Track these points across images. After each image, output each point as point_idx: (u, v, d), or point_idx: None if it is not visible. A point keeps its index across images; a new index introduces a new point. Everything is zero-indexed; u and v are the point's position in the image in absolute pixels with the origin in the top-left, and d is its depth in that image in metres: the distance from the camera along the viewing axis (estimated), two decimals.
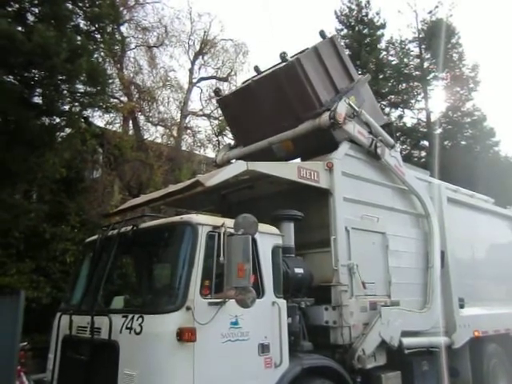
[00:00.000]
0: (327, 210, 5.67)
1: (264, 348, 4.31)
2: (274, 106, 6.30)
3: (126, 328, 3.92)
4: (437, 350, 6.33)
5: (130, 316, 3.96)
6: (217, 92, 7.66)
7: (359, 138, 6.20)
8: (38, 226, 11.62)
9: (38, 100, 12.08)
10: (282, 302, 4.60)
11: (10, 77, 11.00)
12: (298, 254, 5.35)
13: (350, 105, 6.07)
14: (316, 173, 5.57)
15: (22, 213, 10.94)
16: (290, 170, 5.36)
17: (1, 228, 10.33)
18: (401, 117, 25.57)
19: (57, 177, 12.14)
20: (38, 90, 12.06)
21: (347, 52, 25.98)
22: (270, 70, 6.54)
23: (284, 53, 6.21)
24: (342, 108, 5.85)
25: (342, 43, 26.44)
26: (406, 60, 25.75)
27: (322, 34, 6.76)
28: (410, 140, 24.78)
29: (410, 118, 26.18)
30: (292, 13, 52.52)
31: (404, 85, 25.41)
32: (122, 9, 15.91)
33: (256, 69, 7.07)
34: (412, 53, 25.89)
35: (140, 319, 3.86)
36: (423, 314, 6.34)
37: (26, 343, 7.69)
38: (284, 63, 6.19)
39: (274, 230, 4.83)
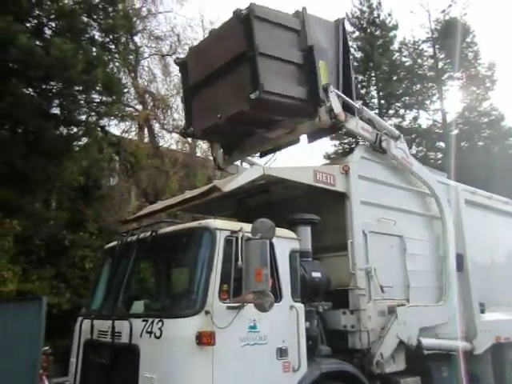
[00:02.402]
0: (344, 214, 5.65)
1: (282, 352, 4.31)
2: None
3: (146, 332, 3.98)
4: (455, 353, 6.23)
5: (150, 320, 4.01)
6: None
7: (363, 135, 6.02)
8: (58, 234, 11.85)
9: (56, 111, 12.39)
10: (300, 306, 4.60)
11: (30, 89, 11.29)
12: (315, 257, 5.34)
13: (348, 104, 5.73)
14: (332, 176, 5.57)
15: (42, 220, 11.18)
16: (306, 174, 5.36)
17: (22, 235, 10.55)
18: (416, 118, 25.38)
19: (75, 185, 12.38)
20: (55, 101, 12.35)
21: (359, 54, 26.08)
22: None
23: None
24: (336, 103, 5.48)
25: (355, 45, 26.46)
26: (419, 61, 25.56)
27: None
28: (425, 141, 24.57)
29: (425, 120, 25.95)
30: None
31: (418, 86, 25.21)
32: (135, 19, 16.19)
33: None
34: (426, 53, 25.70)
35: (160, 323, 3.91)
36: (439, 307, 6.21)
37: (47, 348, 7.84)
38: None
39: (291, 234, 4.85)
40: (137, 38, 17.90)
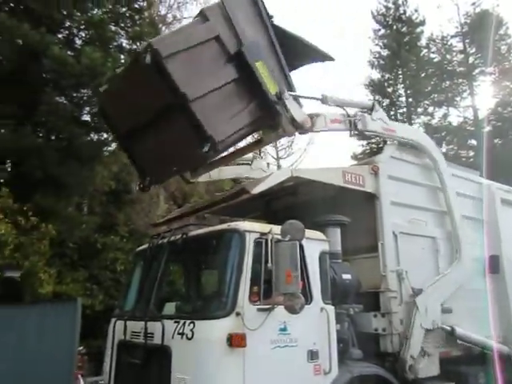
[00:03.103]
0: (374, 215, 5.58)
1: (313, 355, 4.29)
2: None
3: (178, 333, 4.02)
4: (490, 353, 6.01)
5: (182, 322, 4.05)
6: None
7: (335, 128, 5.47)
8: (90, 237, 12.17)
9: (86, 118, 12.75)
10: (331, 309, 4.57)
11: (62, 98, 11.66)
12: (345, 259, 5.29)
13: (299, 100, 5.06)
14: (361, 177, 5.51)
15: (75, 224, 11.52)
16: (334, 174, 5.32)
17: (57, 239, 10.88)
18: (445, 116, 24.78)
19: (106, 189, 12.70)
20: (86, 108, 12.70)
21: (385, 52, 25.64)
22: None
23: None
24: (296, 110, 4.85)
25: (381, 43, 26.07)
26: (448, 56, 24.94)
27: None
28: (456, 139, 23.95)
29: (455, 117, 25.29)
30: (326, 15, 52.22)
31: (448, 82, 24.61)
32: (160, 26, 16.46)
33: None
34: (455, 48, 25.05)
35: (191, 325, 3.95)
36: (454, 268, 5.98)
37: (82, 348, 8.06)
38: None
39: (320, 235, 4.81)
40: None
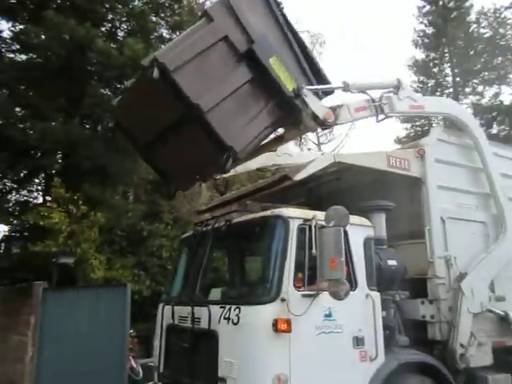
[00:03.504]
0: (420, 200, 5.43)
1: (358, 341, 4.27)
2: None
3: (224, 318, 4.11)
4: None
5: (228, 307, 4.14)
6: None
7: (361, 116, 5.20)
8: (137, 224, 12.57)
9: None
10: (376, 295, 4.52)
11: (107, 89, 12.03)
12: (390, 245, 5.19)
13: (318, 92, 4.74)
14: (406, 161, 5.36)
15: (122, 212, 11.93)
16: (378, 159, 5.21)
17: (106, 227, 11.34)
18: (497, 95, 23.43)
19: (150, 178, 13.02)
20: None
21: (430, 30, 24.46)
22: None
23: None
24: (317, 106, 4.58)
25: (425, 21, 24.88)
26: (501, 30, 23.41)
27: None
28: (508, 119, 22.61)
29: (507, 96, 23.86)
30: None
31: (500, 59, 23.21)
32: (199, 14, 16.54)
33: None
34: (509, 21, 23.44)
35: (237, 310, 4.03)
36: (500, 243, 5.74)
37: (131, 331, 8.41)
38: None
39: (365, 221, 4.75)
40: None
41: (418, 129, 23.86)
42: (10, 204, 13.17)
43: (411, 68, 25.21)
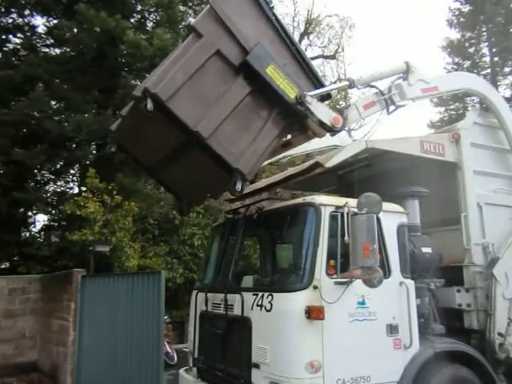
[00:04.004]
0: (455, 185, 5.29)
1: (392, 329, 4.23)
2: None
3: (257, 305, 4.16)
4: None
5: (260, 294, 4.18)
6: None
7: (371, 112, 4.95)
8: (169, 213, 12.80)
9: None
10: (410, 283, 4.46)
11: (137, 80, 12.21)
12: (425, 232, 5.10)
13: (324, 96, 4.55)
14: (441, 145, 5.22)
15: (154, 201, 12.16)
16: (411, 144, 5.09)
17: (139, 216, 11.60)
18: None
19: None
20: None
21: (466, 8, 23.41)
22: None
23: None
24: (322, 112, 4.33)
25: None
26: None
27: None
28: None
29: None
30: None
31: None
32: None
33: None
34: None
35: (269, 297, 4.06)
36: None
37: (166, 317, 8.63)
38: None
39: (398, 208, 4.67)
40: None
41: (453, 112, 23.09)
42: (48, 194, 13.67)
43: (445, 49, 24.33)
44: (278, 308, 3.97)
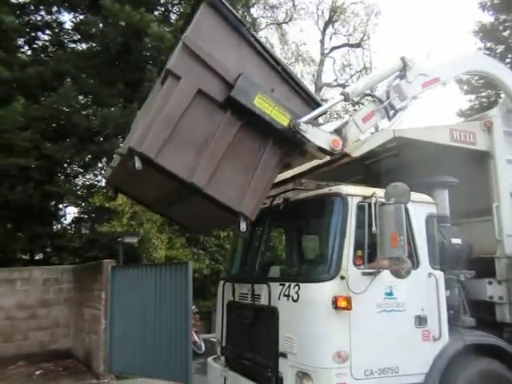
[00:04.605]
0: (487, 175, 5.16)
1: (421, 320, 4.19)
2: None
3: (284, 295, 4.18)
4: None
5: (287, 284, 4.19)
6: None
7: (373, 123, 4.62)
8: None
9: None
10: (439, 274, 4.39)
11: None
12: (454, 223, 4.99)
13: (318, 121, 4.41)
14: (472, 134, 5.09)
15: None
16: (441, 133, 4.98)
17: None
18: None
19: None
20: None
21: None
22: None
23: None
24: (319, 137, 4.13)
25: None
26: None
27: None
28: None
29: None
30: None
31: None
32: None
33: None
34: None
35: (296, 287, 4.07)
36: None
37: (194, 307, 8.76)
38: None
39: (426, 198, 4.60)
40: (253, 10, 18.22)
41: (484, 100, 22.36)
42: (78, 187, 14.01)
43: (477, 34, 23.48)
44: (305, 298, 3.98)
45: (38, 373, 8.42)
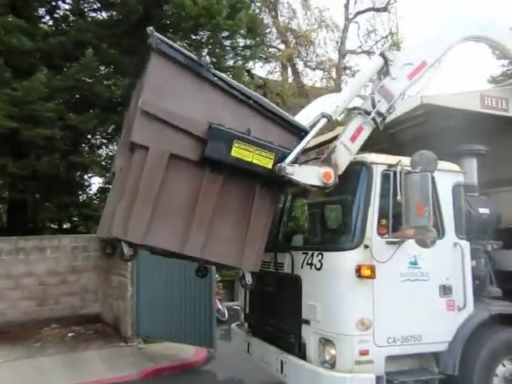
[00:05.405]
0: None
1: (446, 290, 4.17)
2: None
3: (307, 264, 4.20)
4: None
5: (310, 253, 4.21)
6: None
7: (363, 137, 4.25)
8: None
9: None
10: (465, 244, 4.34)
11: (184, 42, 12.18)
12: (483, 193, 4.88)
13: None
14: (504, 100, 4.91)
15: None
16: (471, 100, 4.81)
17: None
18: None
19: None
20: (205, 50, 13.11)
21: None
22: None
23: None
24: (305, 175, 3.87)
25: None
26: None
27: None
28: None
29: None
30: None
31: None
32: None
33: None
34: None
35: (319, 256, 4.08)
36: None
37: (217, 276, 8.94)
38: None
39: (454, 167, 4.49)
40: None
41: None
42: (102, 158, 14.21)
43: None
44: (329, 267, 3.99)
45: (70, 335, 8.83)
